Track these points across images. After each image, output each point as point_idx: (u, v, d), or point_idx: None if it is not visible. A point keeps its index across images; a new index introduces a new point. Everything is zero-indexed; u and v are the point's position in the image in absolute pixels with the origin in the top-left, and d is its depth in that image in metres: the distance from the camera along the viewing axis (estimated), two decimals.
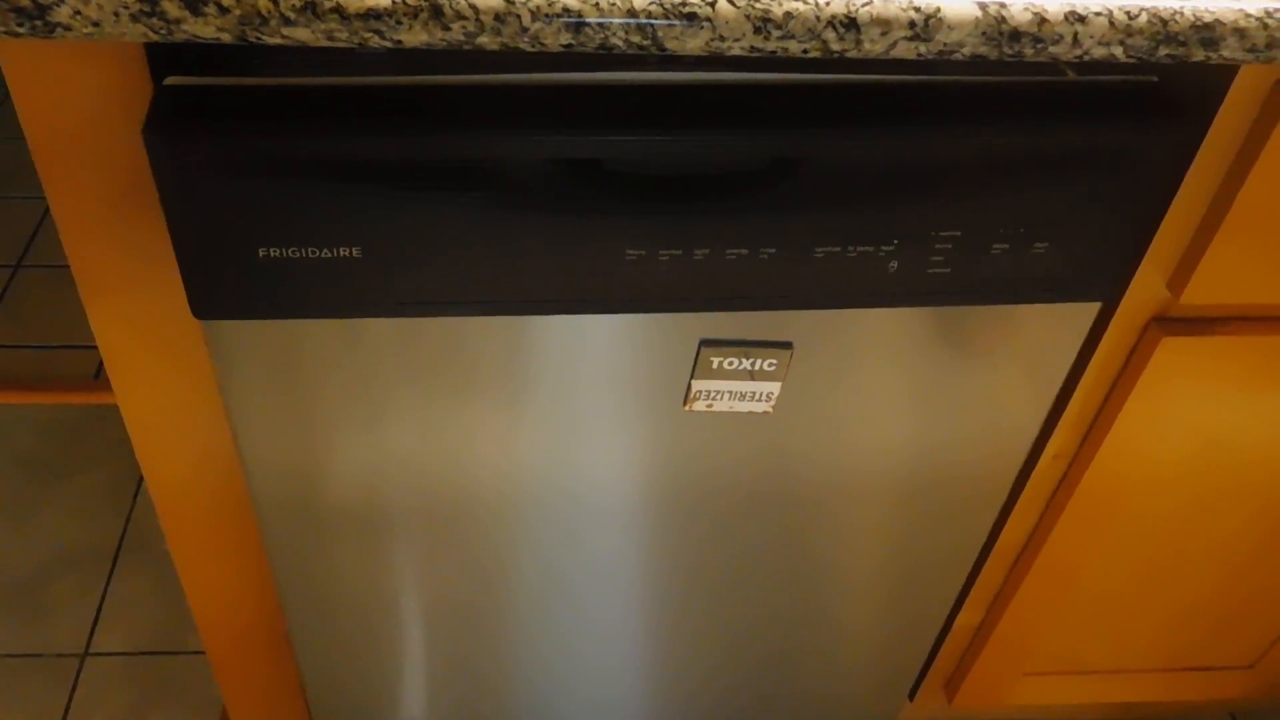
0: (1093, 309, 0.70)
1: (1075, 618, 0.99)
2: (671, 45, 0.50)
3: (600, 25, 0.49)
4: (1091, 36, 0.52)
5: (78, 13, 0.47)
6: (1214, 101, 0.63)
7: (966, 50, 0.52)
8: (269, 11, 0.47)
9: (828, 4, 0.50)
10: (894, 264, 0.63)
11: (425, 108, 0.56)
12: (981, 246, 0.63)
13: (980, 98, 0.60)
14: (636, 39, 0.50)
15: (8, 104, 2.12)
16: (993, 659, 1.02)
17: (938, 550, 0.88)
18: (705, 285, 0.63)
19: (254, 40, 0.49)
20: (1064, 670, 1.06)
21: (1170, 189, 0.67)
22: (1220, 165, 0.66)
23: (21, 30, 0.47)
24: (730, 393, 0.71)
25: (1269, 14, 0.53)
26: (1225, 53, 0.54)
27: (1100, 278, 0.66)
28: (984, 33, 0.52)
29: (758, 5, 0.50)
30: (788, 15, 0.50)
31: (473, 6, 0.48)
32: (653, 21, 0.49)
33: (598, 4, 0.49)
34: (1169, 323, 0.74)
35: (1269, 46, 0.54)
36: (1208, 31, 0.53)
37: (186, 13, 0.47)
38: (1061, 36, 0.52)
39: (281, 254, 0.58)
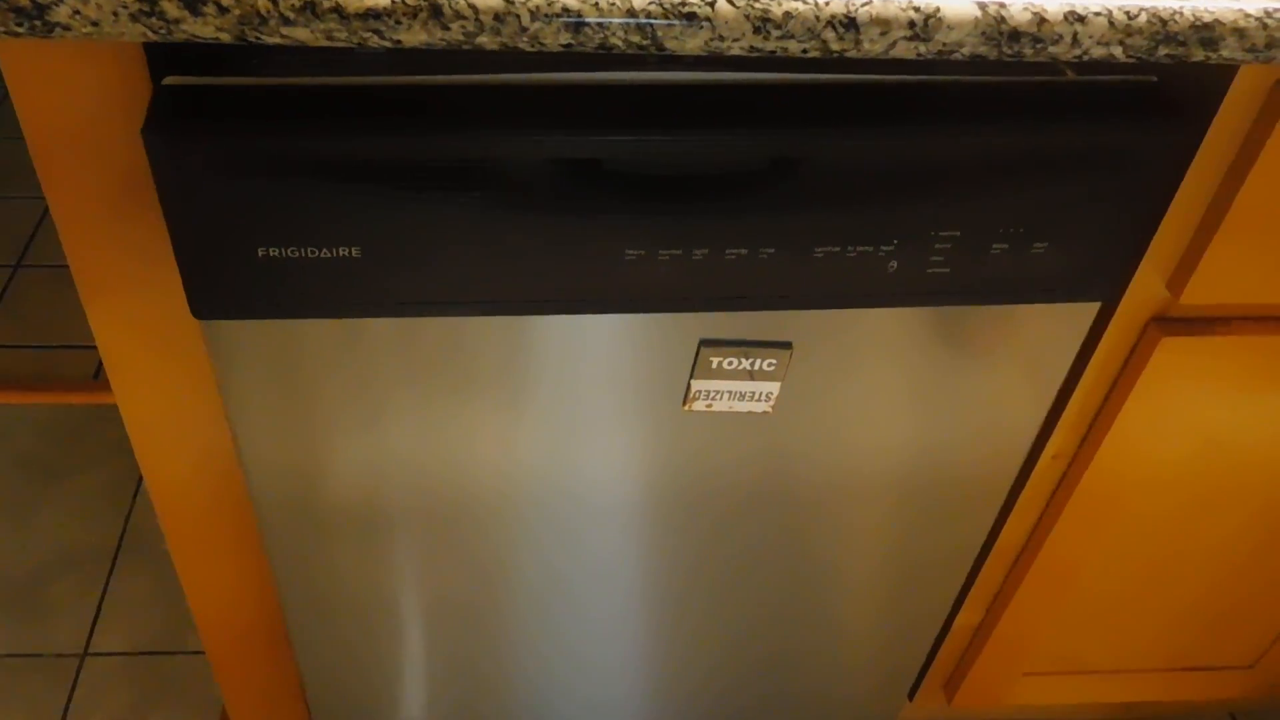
0: (1092, 309, 0.70)
1: (1075, 618, 0.99)
2: (671, 45, 0.50)
3: (600, 25, 0.49)
4: (1091, 36, 0.52)
5: (77, 12, 0.47)
6: (1213, 101, 0.63)
7: (966, 50, 0.52)
8: (268, 11, 0.47)
9: (827, 4, 0.50)
10: (893, 264, 0.63)
11: (425, 108, 0.56)
12: (981, 246, 0.63)
13: (980, 98, 0.60)
14: (636, 39, 0.50)
15: (7, 104, 2.12)
16: (992, 659, 1.02)
17: (937, 550, 0.88)
18: (705, 285, 0.63)
19: (253, 40, 0.49)
20: (1064, 670, 1.06)
21: (1170, 189, 0.67)
22: (1220, 165, 0.66)
23: (20, 30, 0.47)
24: (730, 393, 0.71)
25: (1269, 14, 0.53)
26: (1225, 53, 0.54)
27: (1100, 278, 0.66)
28: (983, 33, 0.52)
29: (757, 5, 0.50)
30: (787, 15, 0.50)
31: (472, 6, 0.48)
32: (652, 21, 0.49)
33: (597, 4, 0.49)
34: (1169, 323, 0.74)
35: (1268, 46, 0.54)
36: (1207, 31, 0.53)
37: (185, 12, 0.47)
38: (1061, 36, 0.52)
39: (281, 254, 0.58)
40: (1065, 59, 0.53)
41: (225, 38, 0.48)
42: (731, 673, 0.99)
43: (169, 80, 0.55)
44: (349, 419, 0.69)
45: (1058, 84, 0.61)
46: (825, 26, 0.50)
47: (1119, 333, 0.75)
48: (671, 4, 0.49)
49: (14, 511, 1.43)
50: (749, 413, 0.73)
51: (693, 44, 0.50)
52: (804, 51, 0.51)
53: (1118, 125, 0.59)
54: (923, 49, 0.52)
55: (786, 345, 0.69)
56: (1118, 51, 0.53)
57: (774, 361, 0.69)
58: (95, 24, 0.47)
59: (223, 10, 0.47)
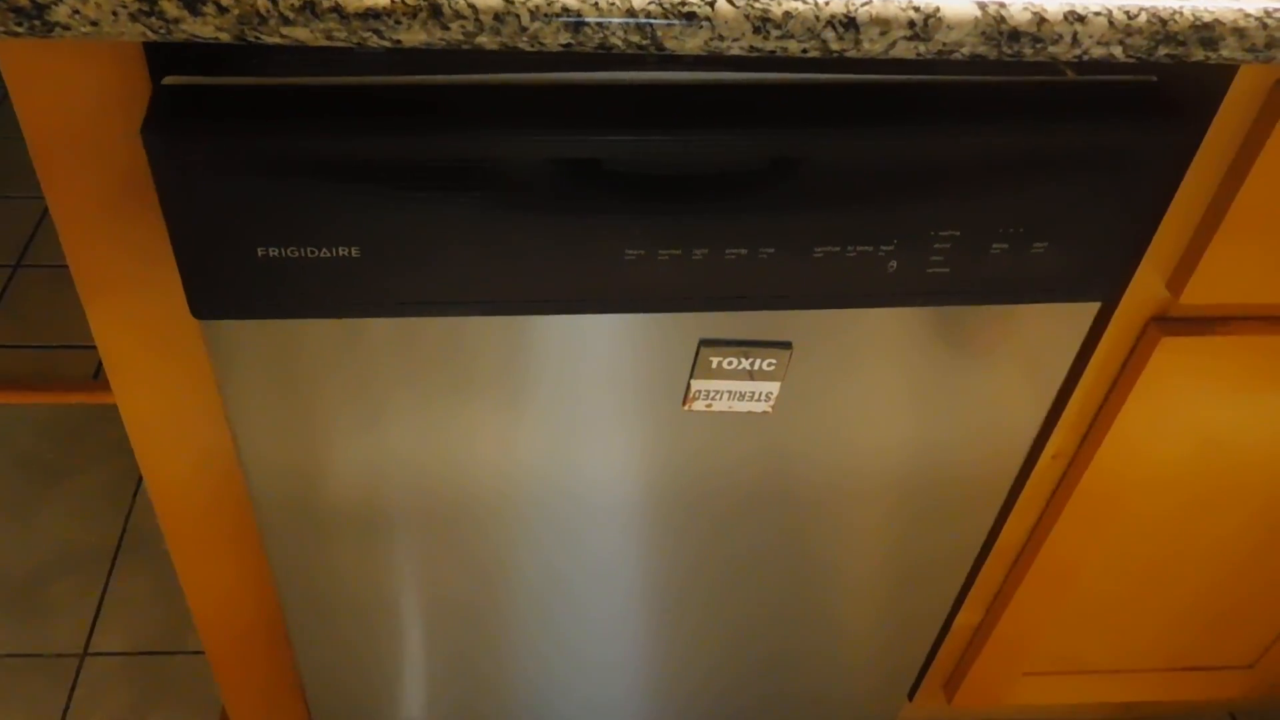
0: (1092, 309, 0.70)
1: (1075, 617, 0.99)
2: (671, 45, 0.50)
3: (599, 25, 0.49)
4: (1091, 36, 0.52)
5: (76, 12, 0.47)
6: (1213, 101, 0.63)
7: (966, 50, 0.52)
8: (267, 11, 0.47)
9: (827, 4, 0.50)
10: (893, 264, 0.63)
11: (424, 107, 0.56)
12: (981, 246, 0.63)
13: (979, 98, 0.60)
14: (635, 38, 0.50)
15: (6, 104, 2.12)
16: (992, 659, 1.02)
17: (937, 550, 0.88)
18: (704, 285, 0.63)
19: (253, 40, 0.49)
20: (1063, 670, 1.06)
21: (1169, 189, 0.67)
22: (1220, 165, 0.66)
23: (20, 30, 0.47)
24: (729, 392, 0.71)
25: (1268, 14, 0.53)
26: (1225, 52, 0.54)
27: (1100, 277, 0.66)
28: (983, 32, 0.52)
29: (757, 5, 0.50)
30: (787, 15, 0.50)
31: (471, 6, 0.48)
32: (652, 21, 0.49)
33: (596, 3, 0.49)
34: (1168, 322, 0.74)
35: (1268, 46, 0.54)
36: (1207, 31, 0.53)
37: (185, 12, 0.47)
38: (1061, 36, 0.52)
39: (280, 254, 0.58)
40: (1065, 59, 0.53)
41: (225, 37, 0.48)
42: (731, 673, 0.99)
43: (168, 80, 0.55)
44: (349, 419, 0.69)
45: (1058, 84, 0.61)
46: (825, 26, 0.50)
47: (1119, 333, 0.75)
48: (671, 4, 0.49)
49: (14, 511, 1.43)
50: (749, 413, 0.73)
51: (692, 44, 0.50)
52: (804, 51, 0.51)
53: (1118, 125, 0.59)
54: (922, 49, 0.52)
55: (786, 345, 0.69)
56: (1117, 51, 0.53)
57: (774, 361, 0.69)
58: (95, 24, 0.47)
59: (222, 10, 0.47)
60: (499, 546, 0.81)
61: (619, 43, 0.50)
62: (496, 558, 0.82)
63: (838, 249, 0.62)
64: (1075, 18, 0.52)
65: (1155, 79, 0.62)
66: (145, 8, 0.47)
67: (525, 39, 0.49)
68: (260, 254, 0.58)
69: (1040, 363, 0.73)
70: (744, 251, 0.61)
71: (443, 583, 0.84)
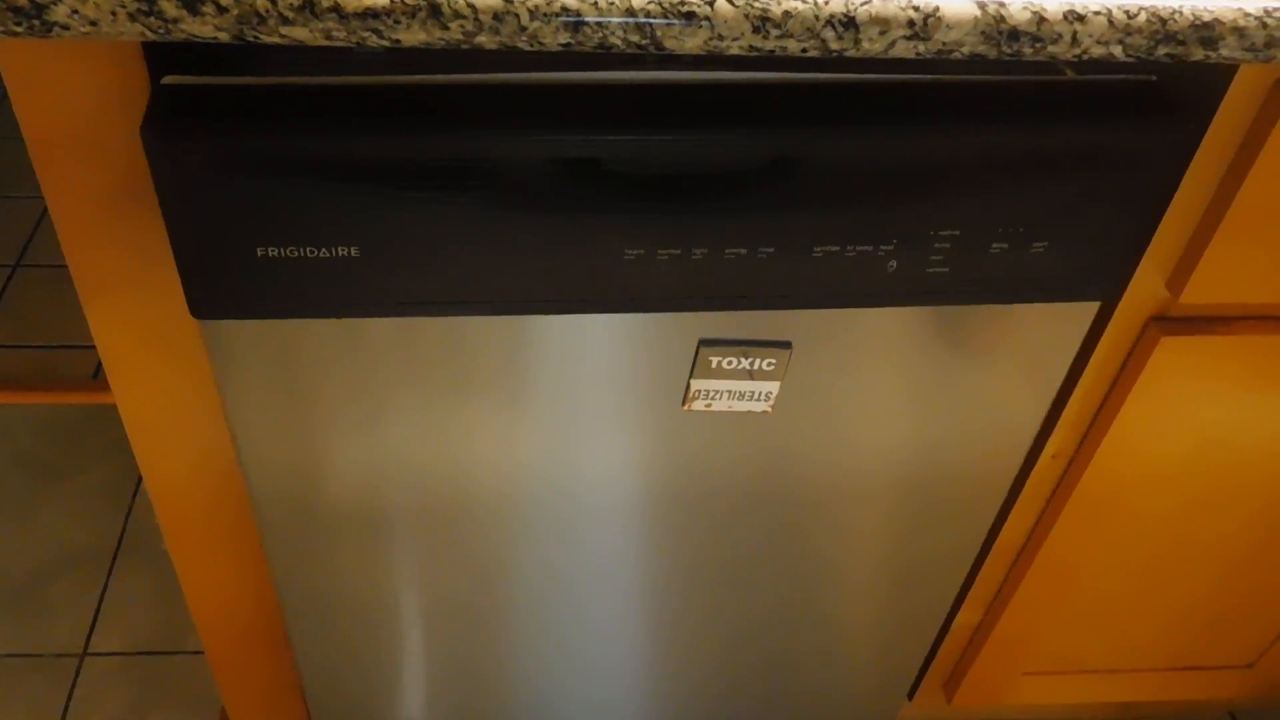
0: (1092, 308, 0.70)
1: (1074, 617, 0.99)
2: (670, 44, 0.50)
3: (599, 24, 0.49)
4: (1090, 35, 0.52)
5: (75, 12, 0.47)
6: (1213, 101, 0.63)
7: (965, 49, 0.52)
8: (267, 10, 0.47)
9: (826, 3, 0.50)
10: (893, 263, 0.63)
11: (423, 107, 0.56)
12: (980, 246, 0.63)
13: (979, 97, 0.60)
14: (635, 38, 0.50)
15: (5, 104, 2.12)
16: (992, 658, 1.02)
17: (937, 549, 0.88)
18: (704, 285, 0.63)
19: (252, 39, 0.48)
20: (1063, 670, 1.06)
21: (1169, 188, 0.67)
22: (1219, 165, 0.66)
23: (19, 30, 0.47)
24: (729, 392, 0.71)
25: (1268, 13, 0.53)
26: (1224, 52, 0.54)
27: (1099, 277, 0.66)
28: (983, 32, 0.52)
29: (756, 4, 0.50)
30: (786, 14, 0.50)
31: (471, 5, 0.48)
32: (651, 20, 0.49)
33: (596, 3, 0.49)
34: (1168, 322, 0.74)
35: (1268, 46, 0.54)
36: (1207, 31, 0.53)
37: (184, 12, 0.47)
38: (1060, 35, 0.52)
39: (280, 253, 0.58)
40: (1065, 58, 0.53)
41: (224, 37, 0.48)
42: (731, 673, 0.99)
43: (168, 80, 0.55)
44: (348, 419, 0.69)
45: (1057, 83, 0.61)
46: (824, 26, 0.50)
47: (1119, 332, 0.75)
48: (670, 3, 0.49)
49: (14, 511, 1.43)
50: (748, 412, 0.73)
51: (692, 43, 0.50)
52: (803, 51, 0.51)
53: (1117, 125, 0.59)
54: (922, 48, 0.52)
55: (786, 345, 0.69)
56: (1117, 51, 0.53)
57: (773, 361, 0.69)
58: (94, 23, 0.47)
59: (221, 10, 0.47)
60: (499, 546, 0.81)
61: (618, 42, 0.50)
62: (496, 558, 0.82)
63: (837, 249, 0.61)
64: (1075, 17, 0.52)
65: (1155, 78, 0.62)
66: (144, 7, 0.47)
67: (524, 38, 0.49)
68: (260, 254, 0.58)
69: (1040, 362, 0.73)
70: (743, 251, 0.61)
71: (442, 583, 0.84)
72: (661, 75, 0.58)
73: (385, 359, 0.66)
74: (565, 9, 0.49)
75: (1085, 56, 0.53)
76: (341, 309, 0.62)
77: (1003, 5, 0.51)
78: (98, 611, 1.33)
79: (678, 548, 0.84)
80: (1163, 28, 0.53)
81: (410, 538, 0.79)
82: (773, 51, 0.51)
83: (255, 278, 0.59)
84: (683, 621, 0.92)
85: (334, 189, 0.56)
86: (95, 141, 0.58)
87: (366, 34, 0.48)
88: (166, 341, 0.68)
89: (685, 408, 0.72)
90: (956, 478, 0.81)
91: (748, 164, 0.58)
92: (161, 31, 0.48)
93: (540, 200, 0.57)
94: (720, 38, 0.50)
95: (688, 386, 0.70)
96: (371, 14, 0.48)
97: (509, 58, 0.57)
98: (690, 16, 0.49)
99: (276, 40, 0.49)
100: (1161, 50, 0.53)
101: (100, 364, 1.63)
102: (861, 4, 0.50)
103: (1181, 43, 0.53)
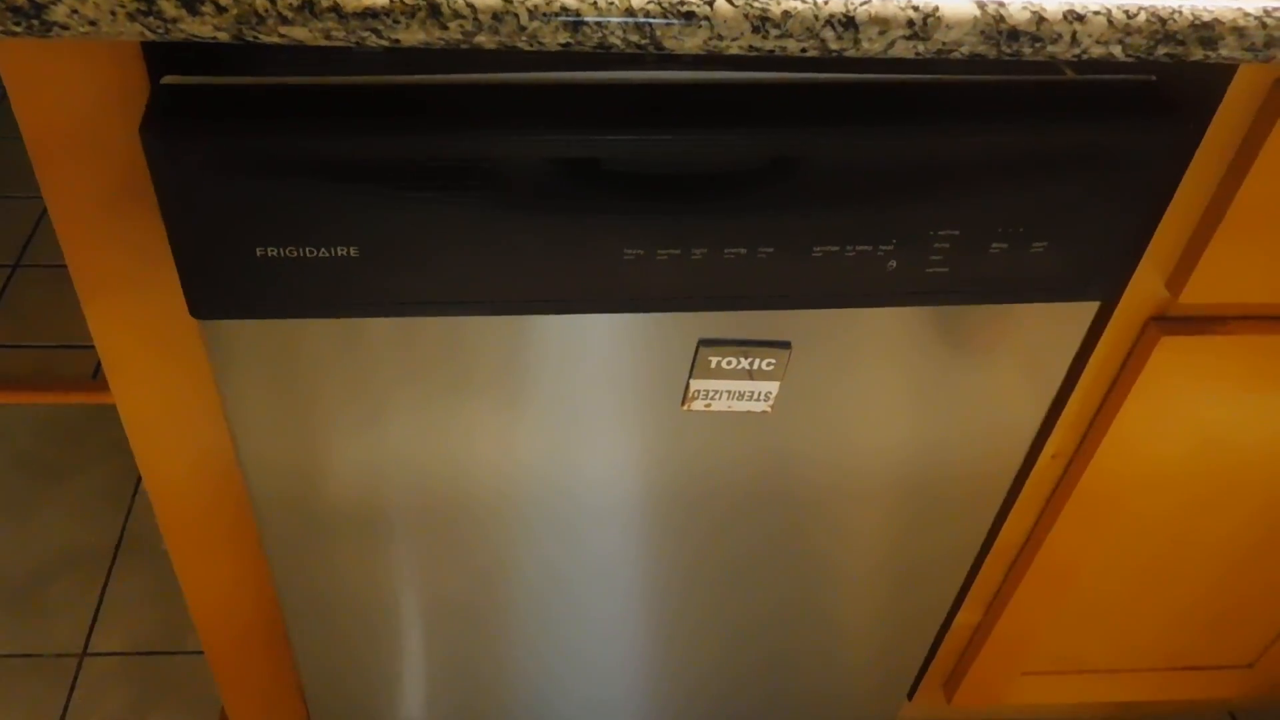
0: (1091, 308, 0.70)
1: (1074, 617, 0.99)
2: (670, 44, 0.50)
3: (598, 24, 0.49)
4: (1090, 35, 0.52)
5: (74, 12, 0.47)
6: (1213, 100, 0.63)
7: (965, 49, 0.52)
8: (266, 10, 0.47)
9: (826, 3, 0.50)
10: (892, 263, 0.63)
11: (423, 107, 0.56)
12: (980, 245, 0.63)
13: (979, 97, 0.60)
14: (634, 38, 0.50)
15: (5, 104, 2.12)
16: (991, 658, 1.02)
17: (937, 549, 0.88)
18: (704, 285, 0.62)
19: (251, 39, 0.48)
20: (1063, 669, 1.06)
21: (1169, 188, 0.67)
22: (1219, 164, 0.66)
23: (18, 30, 0.47)
24: (729, 392, 0.71)
25: (1268, 13, 0.53)
26: (1224, 52, 0.54)
27: (1099, 277, 0.66)
28: (982, 32, 0.52)
29: (756, 4, 0.50)
30: (786, 14, 0.50)
31: (470, 5, 0.48)
32: (651, 20, 0.49)
33: (595, 3, 0.49)
34: (1168, 322, 0.74)
35: (1267, 45, 0.54)
36: (1206, 30, 0.53)
37: (183, 12, 0.47)
38: (1060, 35, 0.52)
39: (279, 253, 0.58)
40: (1064, 58, 0.53)
41: (223, 37, 0.48)
42: (731, 672, 0.99)
43: (167, 79, 0.55)
44: (348, 419, 0.69)
45: (1057, 83, 0.61)
46: (824, 25, 0.50)
47: (1118, 332, 0.75)
48: (670, 3, 0.49)
49: (13, 511, 1.43)
50: (748, 412, 0.73)
51: (691, 43, 0.50)
52: (803, 51, 0.51)
53: (1117, 124, 0.59)
54: (921, 48, 0.52)
55: (785, 345, 0.69)
56: (1117, 50, 0.53)
57: (773, 361, 0.69)
58: (93, 23, 0.47)
59: (220, 9, 0.47)
60: (499, 546, 0.81)
61: (618, 42, 0.50)
62: (496, 558, 0.82)
63: (837, 248, 0.61)
64: (1074, 17, 0.52)
65: (1154, 78, 0.62)
66: (143, 7, 0.47)
67: (524, 38, 0.49)
68: (259, 254, 0.58)
69: (1040, 362, 0.73)
70: (743, 251, 0.61)
71: (442, 583, 0.84)
72: (661, 75, 0.58)
73: (385, 359, 0.66)
74: (565, 9, 0.49)
75: (1085, 56, 0.53)
76: (341, 309, 0.62)
77: (1002, 5, 0.51)
78: (97, 611, 1.33)
79: (678, 548, 0.84)
80: (1162, 28, 0.53)
81: (410, 538, 0.79)
82: (772, 51, 0.51)
83: (255, 278, 0.59)
84: (683, 621, 0.92)
85: (333, 189, 0.55)
86: (95, 141, 0.58)
87: (366, 34, 0.48)
88: (166, 341, 0.68)
89: (685, 408, 0.72)
90: (956, 478, 0.81)
91: (747, 164, 0.58)
92: (161, 31, 0.48)
93: (540, 200, 0.57)
94: (720, 38, 0.50)
95: (687, 386, 0.70)
96: (371, 14, 0.48)
97: (508, 57, 0.57)
98: (690, 16, 0.49)
99: (276, 40, 0.49)
100: (1161, 50, 0.53)
101: (100, 364, 1.63)
102: (861, 4, 0.50)
103: (1181, 43, 0.53)
